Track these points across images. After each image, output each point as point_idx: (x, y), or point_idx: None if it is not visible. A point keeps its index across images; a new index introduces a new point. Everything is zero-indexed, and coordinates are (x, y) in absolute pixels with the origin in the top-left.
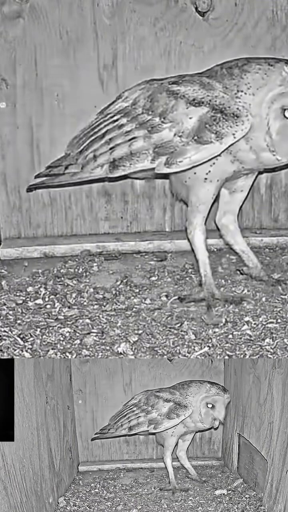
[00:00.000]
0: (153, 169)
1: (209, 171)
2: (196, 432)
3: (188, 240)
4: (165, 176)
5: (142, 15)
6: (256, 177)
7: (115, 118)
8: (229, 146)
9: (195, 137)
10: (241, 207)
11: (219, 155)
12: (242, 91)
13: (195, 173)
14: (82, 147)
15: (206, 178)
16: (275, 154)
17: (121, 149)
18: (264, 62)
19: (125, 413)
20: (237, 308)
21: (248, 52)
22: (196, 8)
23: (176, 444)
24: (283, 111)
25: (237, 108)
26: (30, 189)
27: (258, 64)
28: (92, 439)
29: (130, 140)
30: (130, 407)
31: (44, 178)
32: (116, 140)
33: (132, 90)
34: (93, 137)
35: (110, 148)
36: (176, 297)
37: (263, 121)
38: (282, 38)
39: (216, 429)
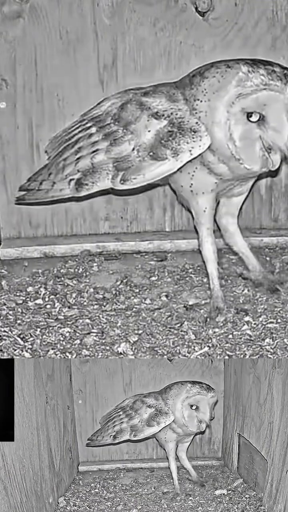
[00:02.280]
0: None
1: (192, 184)
2: (196, 435)
3: (200, 251)
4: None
5: (142, 15)
6: (255, 182)
7: (88, 125)
8: (188, 162)
9: (151, 153)
10: (240, 208)
11: (195, 167)
12: (198, 100)
13: (182, 186)
14: (56, 152)
15: (191, 191)
16: (242, 162)
17: (85, 160)
18: (223, 64)
19: (112, 416)
20: (239, 316)
21: (248, 52)
22: (196, 8)
23: (176, 446)
24: (245, 114)
25: (196, 123)
26: (18, 203)
27: (217, 68)
28: (87, 445)
29: (93, 152)
30: (117, 410)
31: (25, 192)
32: (83, 150)
33: (110, 97)
34: (66, 143)
35: (77, 158)
36: (182, 305)
37: (224, 127)
38: (282, 38)
39: (203, 432)
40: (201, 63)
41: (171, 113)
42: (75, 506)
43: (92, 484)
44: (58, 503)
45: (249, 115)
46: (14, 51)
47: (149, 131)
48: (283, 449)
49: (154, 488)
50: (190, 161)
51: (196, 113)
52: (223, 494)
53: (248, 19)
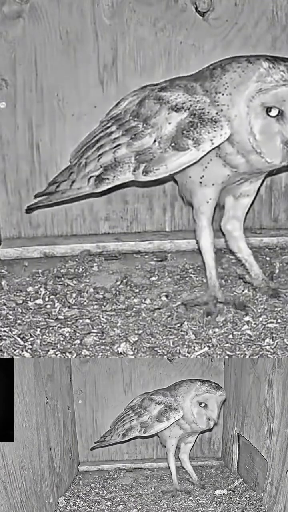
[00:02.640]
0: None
1: (203, 176)
2: (198, 434)
3: (197, 242)
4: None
5: (142, 15)
6: (263, 182)
7: (108, 125)
8: (208, 153)
9: (172, 144)
10: (247, 212)
11: (210, 159)
12: (220, 93)
13: (190, 177)
14: (80, 154)
15: (201, 182)
16: (263, 156)
17: (107, 156)
18: (245, 60)
19: (123, 417)
20: (239, 313)
21: (248, 52)
22: (196, 8)
23: (178, 447)
24: (265, 109)
25: (216, 113)
26: (29, 210)
27: (238, 63)
28: (92, 449)
29: (115, 147)
30: (127, 410)
31: (41, 198)
32: (105, 146)
33: (127, 96)
34: (87, 144)
35: (99, 155)
36: (180, 302)
37: (244, 121)
38: (282, 38)
39: (211, 430)
40: (201, 63)
41: (191, 105)
42: (75, 506)
43: (92, 484)
44: (58, 503)
45: (268, 110)
46: (14, 51)
47: (169, 123)
48: (283, 449)
49: (154, 488)
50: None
51: (217, 105)
52: (223, 494)
53: (248, 19)
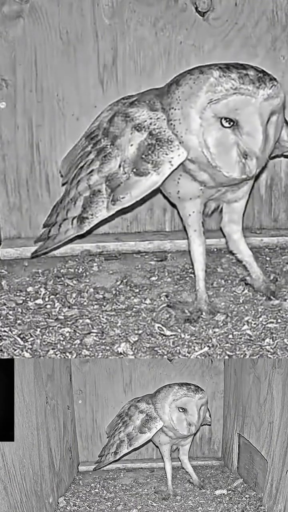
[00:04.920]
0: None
1: (179, 191)
2: (194, 435)
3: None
4: None
5: (142, 15)
6: (253, 186)
7: (85, 143)
8: (170, 174)
9: (134, 169)
10: (243, 214)
11: (180, 175)
12: (173, 108)
13: (170, 192)
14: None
15: (179, 197)
16: (220, 169)
17: (82, 183)
18: (198, 70)
19: (113, 426)
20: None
21: (248, 52)
22: (196, 8)
23: (177, 449)
24: (218, 120)
25: (172, 132)
26: (34, 256)
27: (191, 75)
28: (94, 469)
29: (88, 173)
30: (117, 419)
31: (40, 244)
32: (81, 172)
33: (104, 110)
34: (76, 163)
35: (77, 182)
36: (165, 304)
37: (198, 134)
38: (282, 38)
39: (196, 433)
40: (201, 63)
41: (150, 124)
42: (75, 506)
43: (92, 484)
44: (58, 503)
45: (222, 120)
46: (14, 51)
47: (131, 145)
48: (283, 449)
49: (154, 488)
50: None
51: (171, 123)
52: (223, 494)
53: (248, 19)
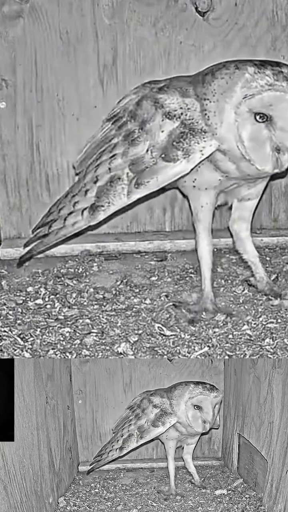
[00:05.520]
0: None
1: (195, 179)
2: (200, 435)
3: (195, 249)
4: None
5: (142, 15)
6: (267, 185)
7: (108, 127)
8: (198, 163)
9: (163, 155)
10: (254, 214)
11: (202, 163)
12: (208, 99)
13: (185, 181)
14: (84, 164)
15: (194, 186)
16: (254, 163)
17: (103, 166)
18: (233, 65)
19: (123, 422)
20: (233, 318)
21: (248, 52)
22: (196, 8)
23: (181, 447)
24: (253, 115)
25: (206, 123)
26: (20, 263)
27: (227, 69)
28: (88, 472)
29: (111, 157)
30: (127, 411)
31: (33, 245)
32: (103, 156)
33: (129, 92)
34: (96, 149)
35: (97, 166)
36: (171, 303)
37: (232, 128)
38: (282, 38)
39: (207, 433)
40: (201, 63)
41: (182, 113)
42: (75, 506)
43: (92, 484)
44: (58, 503)
45: (256, 115)
46: (14, 51)
47: (162, 131)
48: (283, 449)
49: (154, 488)
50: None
51: (205, 113)
52: (223, 494)
53: (248, 19)
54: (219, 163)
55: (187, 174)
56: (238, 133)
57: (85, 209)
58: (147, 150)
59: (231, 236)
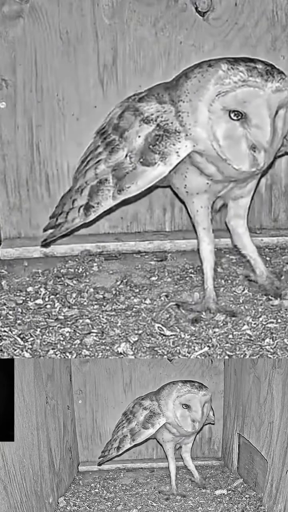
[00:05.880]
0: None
1: (186, 185)
2: (196, 434)
3: (197, 250)
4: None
5: (142, 15)
6: (259, 182)
7: (96, 139)
8: (176, 165)
9: (141, 159)
10: (248, 210)
11: (187, 168)
12: (181, 101)
13: (177, 188)
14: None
15: (187, 192)
16: (230, 162)
17: (90, 172)
18: (206, 64)
19: (117, 424)
20: (233, 318)
21: (248, 52)
22: (196, 8)
23: (180, 447)
24: (227, 113)
25: (180, 124)
26: (44, 244)
27: (200, 68)
28: (99, 464)
29: (96, 163)
30: (122, 417)
31: (49, 231)
32: (89, 163)
33: (115, 107)
34: (85, 156)
35: (85, 171)
36: (174, 302)
37: (206, 126)
38: (282, 38)
39: (199, 431)
40: None
41: (158, 116)
42: (75, 506)
43: (92, 484)
44: (58, 503)
45: (231, 113)
46: (14, 51)
47: (139, 136)
48: (283, 449)
49: (154, 488)
50: (180, 162)
51: (179, 114)
52: (223, 494)
53: (248, 19)
54: (200, 165)
55: (177, 180)
56: (212, 132)
57: (81, 206)
58: (126, 156)
59: (229, 231)
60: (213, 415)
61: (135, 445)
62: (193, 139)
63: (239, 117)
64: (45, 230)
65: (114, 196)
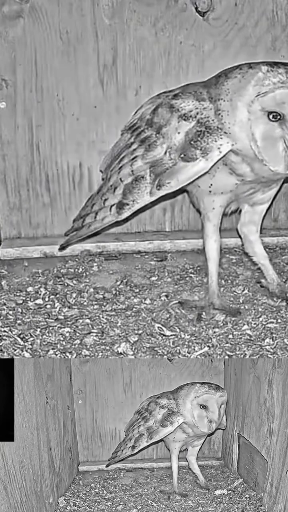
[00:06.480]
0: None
1: (211, 184)
2: (206, 437)
3: (203, 247)
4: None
5: (142, 15)
6: (279, 190)
7: (127, 136)
8: (217, 162)
9: (181, 155)
10: (263, 217)
11: (217, 167)
12: (221, 99)
13: (199, 186)
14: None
15: (210, 191)
16: (266, 163)
17: (125, 169)
18: (247, 65)
19: (133, 423)
20: (233, 318)
21: (248, 52)
22: (196, 8)
23: (186, 449)
24: (266, 114)
25: (220, 122)
26: (62, 248)
27: (240, 69)
28: (107, 466)
29: (132, 159)
30: (135, 415)
31: (71, 234)
32: (124, 159)
33: (144, 103)
34: (118, 154)
35: (119, 168)
36: (177, 301)
37: (246, 127)
38: (282, 38)
39: (212, 433)
40: (201, 63)
41: (197, 113)
42: (75, 506)
43: (92, 484)
44: (58, 503)
45: (269, 114)
46: (14, 51)
47: (179, 132)
48: (283, 449)
49: (154, 488)
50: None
51: (219, 113)
52: (223, 494)
53: (248, 19)
54: (234, 165)
55: (203, 177)
56: (251, 132)
57: (113, 205)
58: (165, 152)
59: (240, 238)
60: (226, 420)
61: (151, 444)
62: (232, 137)
63: (278, 118)
64: (66, 234)
65: (152, 193)
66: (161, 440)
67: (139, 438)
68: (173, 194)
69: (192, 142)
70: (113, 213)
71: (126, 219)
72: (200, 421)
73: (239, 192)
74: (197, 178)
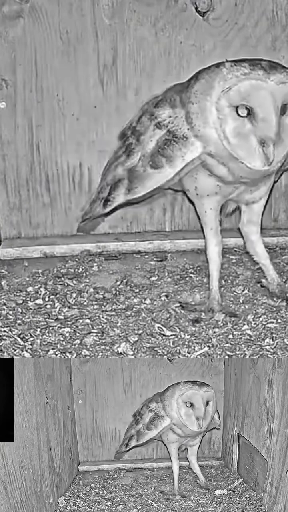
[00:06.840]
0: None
1: (196, 187)
2: (203, 436)
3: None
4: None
5: (142, 15)
6: (272, 187)
7: (118, 143)
8: (183, 168)
9: (150, 162)
10: (262, 217)
11: (197, 170)
12: (191, 102)
13: (188, 189)
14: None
15: (197, 194)
16: (241, 160)
17: (110, 174)
18: (214, 65)
19: (129, 424)
20: (233, 319)
21: (248, 52)
22: (196, 8)
23: (186, 449)
24: (234, 109)
25: (187, 128)
26: (79, 232)
27: (208, 69)
28: (115, 457)
29: (116, 166)
30: (132, 418)
31: (87, 219)
32: (111, 165)
33: (140, 108)
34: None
35: (107, 173)
36: (178, 304)
37: (216, 126)
38: (282, 38)
39: (205, 433)
40: (201, 63)
41: (169, 122)
42: (75, 506)
43: (92, 484)
44: (58, 503)
45: (238, 110)
46: (14, 51)
47: (151, 140)
48: (283, 449)
49: (154, 488)
50: (188, 165)
51: (189, 116)
52: (223, 494)
53: (248, 19)
54: (211, 167)
55: (188, 182)
56: (222, 130)
57: (103, 198)
58: (139, 159)
59: (242, 237)
60: (219, 418)
61: (139, 445)
62: (203, 140)
63: (246, 113)
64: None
65: (125, 194)
66: (151, 441)
67: (131, 439)
68: (155, 196)
69: (159, 150)
70: (101, 206)
71: (110, 212)
72: (188, 420)
73: (225, 194)
74: (170, 184)
